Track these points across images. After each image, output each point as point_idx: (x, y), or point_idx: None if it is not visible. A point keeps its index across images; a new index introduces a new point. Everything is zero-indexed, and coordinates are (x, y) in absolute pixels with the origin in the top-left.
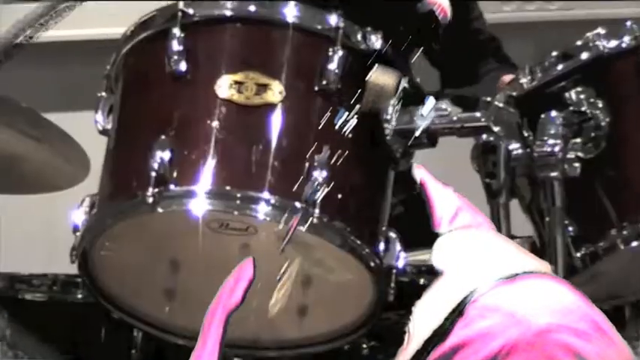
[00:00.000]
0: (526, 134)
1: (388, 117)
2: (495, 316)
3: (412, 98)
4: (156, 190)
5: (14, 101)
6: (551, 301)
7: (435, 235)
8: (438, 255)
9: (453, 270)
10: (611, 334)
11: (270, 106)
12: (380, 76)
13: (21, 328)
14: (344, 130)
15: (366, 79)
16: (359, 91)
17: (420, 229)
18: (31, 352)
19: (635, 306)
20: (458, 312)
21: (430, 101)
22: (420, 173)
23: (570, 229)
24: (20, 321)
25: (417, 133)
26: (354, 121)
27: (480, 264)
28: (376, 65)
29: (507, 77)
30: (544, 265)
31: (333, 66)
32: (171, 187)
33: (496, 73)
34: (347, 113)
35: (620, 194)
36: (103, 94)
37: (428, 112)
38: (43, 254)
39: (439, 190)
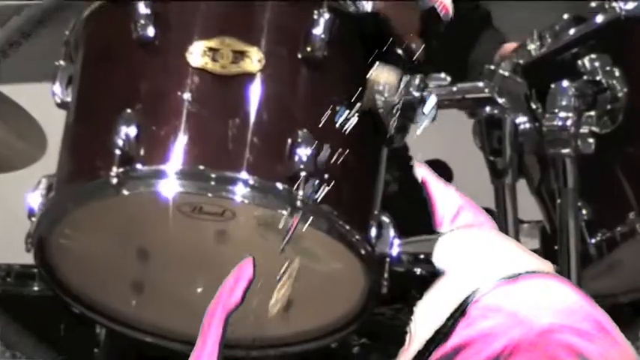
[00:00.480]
0: (534, 106)
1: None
2: (497, 316)
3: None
4: (121, 169)
5: None
6: (553, 301)
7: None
8: (439, 254)
9: (454, 270)
10: (614, 334)
11: (248, 76)
12: (381, 74)
13: None
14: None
15: (367, 76)
16: (359, 89)
17: (415, 211)
18: None
19: None
20: (460, 312)
21: (432, 99)
22: (421, 172)
23: (584, 212)
24: None
25: (419, 132)
26: (354, 120)
27: (481, 264)
28: (377, 63)
29: (509, 45)
30: (547, 265)
31: (318, 31)
32: (138, 166)
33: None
34: (347, 112)
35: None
36: (62, 62)
37: (429, 110)
38: None
39: (440, 189)
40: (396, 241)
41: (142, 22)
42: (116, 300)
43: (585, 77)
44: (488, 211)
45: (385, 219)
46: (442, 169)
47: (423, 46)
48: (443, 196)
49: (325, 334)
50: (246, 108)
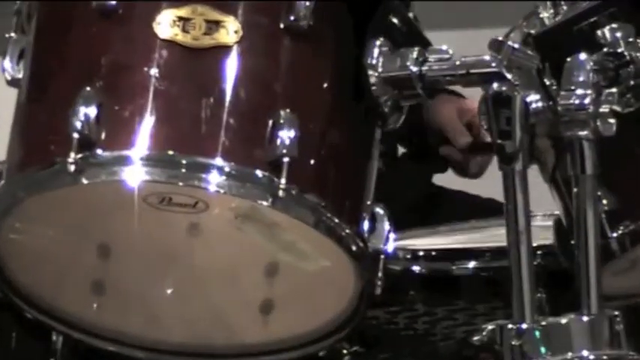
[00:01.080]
0: (548, 83)
1: (373, 61)
2: None
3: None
4: (79, 155)
5: None
6: None
7: (428, 202)
8: None
9: None
10: None
11: (224, 49)
12: None
13: None
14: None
15: None
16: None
17: (406, 193)
18: None
19: None
20: None
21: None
22: None
23: (604, 202)
24: None
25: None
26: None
27: None
28: None
29: None
30: None
31: None
32: (99, 151)
33: None
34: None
35: None
36: (13, 35)
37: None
38: None
39: None
40: (392, 236)
41: None
42: (74, 303)
43: (605, 49)
44: (493, 202)
45: (379, 210)
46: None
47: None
48: None
49: (311, 342)
50: (222, 85)
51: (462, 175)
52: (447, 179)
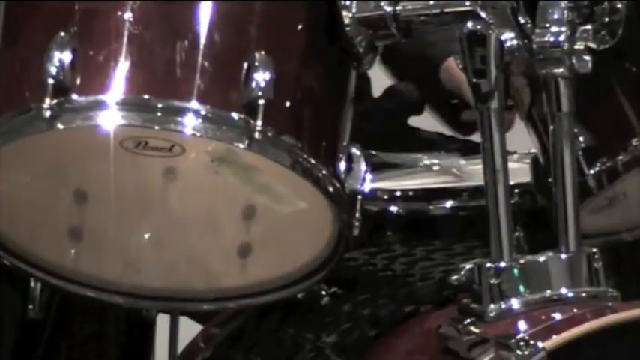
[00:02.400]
0: (523, 21)
1: (347, 2)
2: None
3: None
4: (54, 101)
5: None
6: None
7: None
8: None
9: None
10: None
11: None
12: None
13: None
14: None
15: None
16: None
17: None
18: None
19: None
20: None
21: None
22: None
23: (581, 139)
24: None
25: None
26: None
27: None
28: None
29: None
30: None
31: None
32: (74, 96)
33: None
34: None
35: None
36: None
37: None
38: None
39: None
40: (369, 176)
41: None
42: (52, 249)
43: None
44: (471, 143)
45: (356, 151)
46: (409, 94)
47: None
48: None
49: (289, 284)
50: (196, 28)
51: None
52: (419, 121)
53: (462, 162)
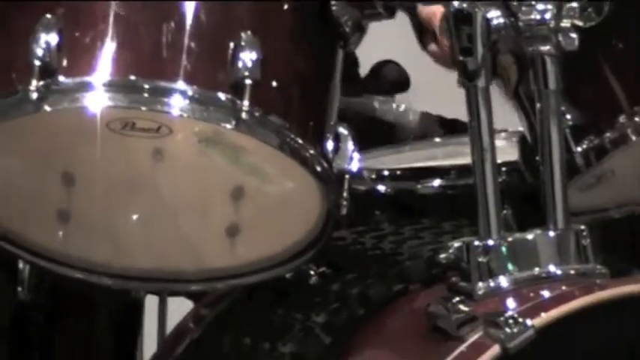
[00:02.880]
0: None
1: None
2: None
3: None
4: (41, 83)
5: None
6: None
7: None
8: None
9: None
10: None
11: None
12: None
13: None
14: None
15: None
16: None
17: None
18: None
19: None
20: None
21: None
22: None
23: (569, 117)
24: None
25: None
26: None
27: None
28: None
29: None
30: None
31: None
32: (61, 78)
33: None
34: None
35: (630, 71)
36: None
37: None
38: None
39: None
40: (356, 155)
41: None
42: (40, 232)
43: None
44: (453, 121)
45: (343, 131)
46: (395, 73)
47: None
48: None
49: (278, 264)
50: (182, 9)
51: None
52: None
53: (449, 141)
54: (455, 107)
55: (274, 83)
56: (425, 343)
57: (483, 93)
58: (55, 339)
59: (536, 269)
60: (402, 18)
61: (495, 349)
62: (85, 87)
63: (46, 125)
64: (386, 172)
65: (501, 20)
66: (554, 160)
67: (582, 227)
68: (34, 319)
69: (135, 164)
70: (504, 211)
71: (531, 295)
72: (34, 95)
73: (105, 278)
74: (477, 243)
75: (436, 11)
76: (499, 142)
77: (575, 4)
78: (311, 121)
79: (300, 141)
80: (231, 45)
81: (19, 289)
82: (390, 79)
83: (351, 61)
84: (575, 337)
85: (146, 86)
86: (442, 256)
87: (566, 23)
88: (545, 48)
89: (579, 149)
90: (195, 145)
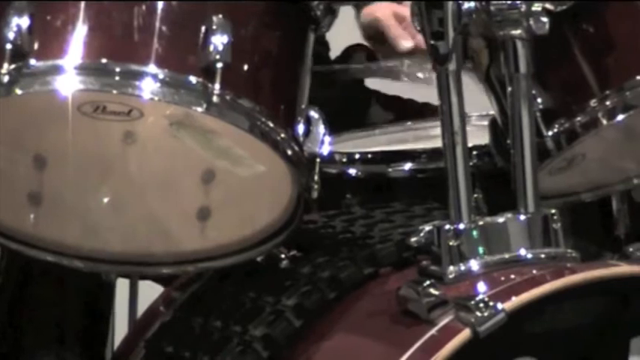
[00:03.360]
0: None
1: None
2: None
3: None
4: (12, 66)
5: None
6: None
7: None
8: None
9: None
10: None
11: None
12: None
13: None
14: None
15: None
16: None
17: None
18: None
19: (625, 198)
20: None
21: None
22: None
23: (539, 100)
24: None
25: None
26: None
27: None
28: None
29: None
30: None
31: None
32: (32, 61)
33: None
34: None
35: (602, 55)
36: None
37: None
38: None
39: None
40: (327, 139)
41: None
42: (11, 215)
43: None
44: (429, 105)
45: (314, 114)
46: (365, 57)
47: None
48: None
49: (249, 247)
50: None
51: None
52: (379, 85)
53: (420, 124)
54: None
55: (245, 67)
56: (395, 326)
57: (454, 77)
58: (24, 323)
59: (507, 253)
60: None
61: (466, 332)
62: (57, 70)
63: (18, 108)
64: (357, 156)
65: (472, 4)
66: (524, 144)
67: (553, 211)
68: (3, 302)
69: (106, 147)
70: (475, 195)
71: (502, 278)
72: (6, 78)
73: (76, 261)
74: (447, 227)
75: (376, 10)
76: (470, 126)
77: None
78: (282, 104)
79: (271, 124)
80: (203, 29)
81: None
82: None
83: (322, 45)
84: (546, 320)
85: (117, 69)
86: (413, 239)
87: (537, 7)
88: (516, 32)
89: (550, 133)
90: (166, 128)
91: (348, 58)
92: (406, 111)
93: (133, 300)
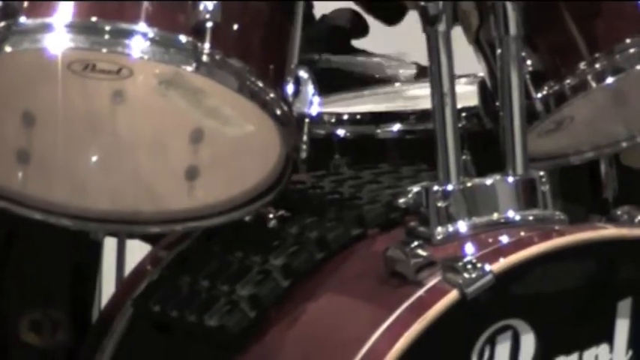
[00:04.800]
0: None
1: None
2: None
3: None
4: (2, 24)
5: None
6: None
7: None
8: None
9: None
10: None
11: None
12: None
13: None
14: None
15: None
16: None
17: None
18: None
19: (613, 161)
20: None
21: None
22: None
23: (529, 62)
24: None
25: None
26: None
27: None
28: None
29: None
30: None
31: None
32: (22, 19)
33: None
34: None
35: (591, 18)
36: None
37: None
38: None
39: None
40: (316, 99)
41: None
42: None
43: None
44: (417, 65)
45: (303, 74)
46: (353, 21)
47: None
48: None
49: (237, 207)
50: None
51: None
52: (365, 45)
53: (409, 85)
54: (414, 51)
55: (235, 26)
56: (383, 287)
57: (444, 38)
58: (11, 281)
59: (495, 215)
60: None
61: (454, 293)
62: (46, 28)
63: (7, 66)
64: (345, 117)
65: None
66: (514, 106)
67: (541, 173)
68: None
69: (95, 106)
70: (464, 157)
71: (490, 240)
72: None
73: (64, 219)
74: (436, 188)
75: None
76: (459, 87)
77: None
78: (271, 64)
79: (260, 84)
80: None
81: None
82: (343, 24)
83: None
84: (533, 282)
85: (107, 28)
86: (401, 200)
87: None
88: None
89: (539, 95)
90: (156, 87)
91: (333, 19)
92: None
93: (121, 259)
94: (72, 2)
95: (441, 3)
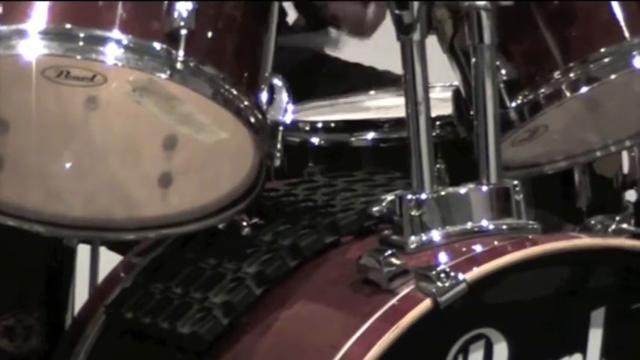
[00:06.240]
0: None
1: None
2: None
3: None
4: None
5: None
6: None
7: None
8: None
9: None
10: None
11: None
12: None
13: None
14: None
15: None
16: None
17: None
18: None
19: (586, 170)
20: None
21: None
22: None
23: (503, 72)
24: None
25: None
26: None
27: None
28: None
29: None
30: None
31: None
32: None
33: None
34: None
35: (566, 27)
36: None
37: None
38: None
39: None
40: (290, 107)
41: None
42: None
43: None
44: (390, 74)
45: (278, 82)
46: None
47: None
48: None
49: (210, 214)
50: None
51: (356, 34)
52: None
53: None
54: (388, 60)
55: (209, 33)
56: (356, 295)
57: (418, 46)
58: None
59: (469, 224)
60: None
61: (427, 302)
62: (20, 34)
63: None
64: (320, 124)
65: None
66: (488, 115)
67: (515, 182)
68: None
69: (69, 112)
70: (437, 165)
71: (463, 249)
72: None
73: (37, 226)
74: (409, 196)
75: None
76: (433, 96)
77: None
78: (245, 72)
79: (234, 91)
80: None
81: None
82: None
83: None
84: (507, 291)
85: (81, 34)
86: (375, 208)
87: None
88: (481, 3)
89: (513, 104)
90: (130, 93)
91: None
92: (367, 78)
93: (94, 266)
94: (46, 8)
95: (415, 11)
